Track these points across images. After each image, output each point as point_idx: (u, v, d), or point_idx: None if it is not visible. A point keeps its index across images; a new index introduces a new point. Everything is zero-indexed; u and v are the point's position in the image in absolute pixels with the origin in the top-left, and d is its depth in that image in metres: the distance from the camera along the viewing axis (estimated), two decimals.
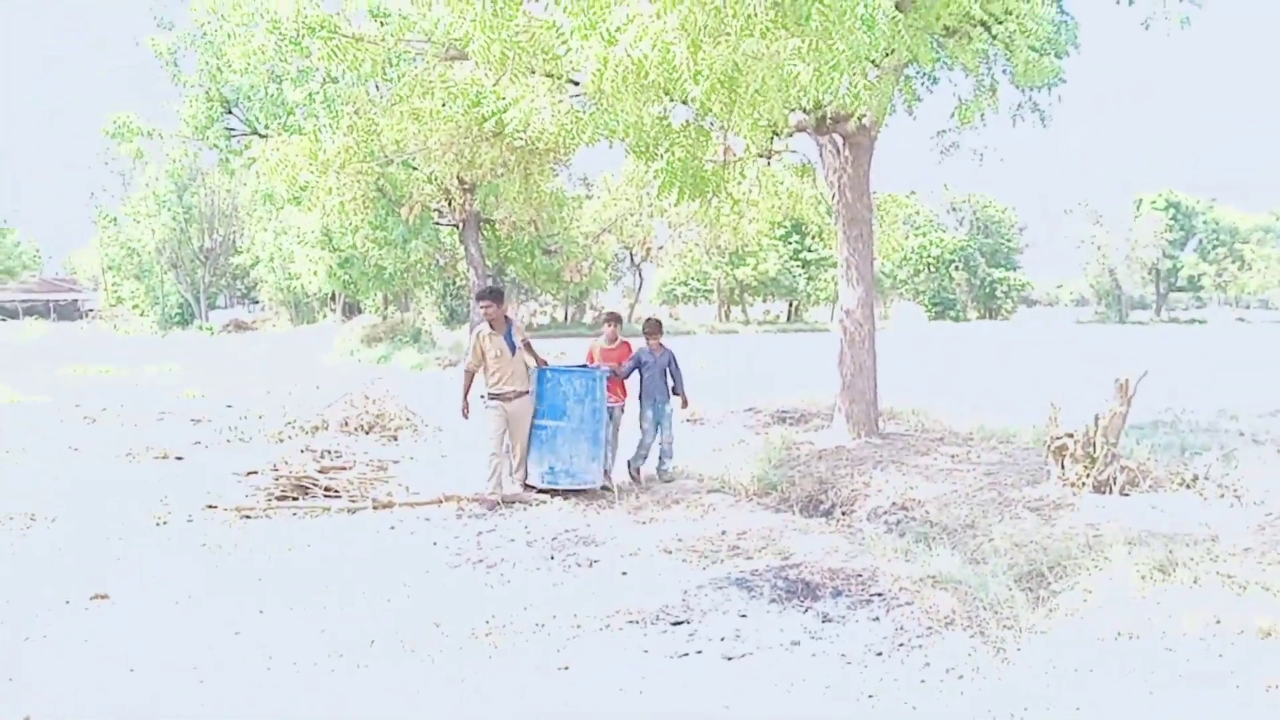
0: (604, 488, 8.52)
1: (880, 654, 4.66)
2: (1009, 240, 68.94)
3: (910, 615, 5.05)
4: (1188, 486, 6.96)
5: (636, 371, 8.99)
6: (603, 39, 5.00)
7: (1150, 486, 6.88)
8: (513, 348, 8.21)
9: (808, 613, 5.25)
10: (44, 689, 4.35)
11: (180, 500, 8.29)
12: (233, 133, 25.27)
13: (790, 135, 10.48)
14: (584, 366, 8.78)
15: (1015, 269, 68.21)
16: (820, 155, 10.27)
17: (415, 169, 15.47)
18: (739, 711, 4.08)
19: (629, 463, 9.12)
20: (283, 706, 4.12)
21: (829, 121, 9.72)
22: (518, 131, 6.36)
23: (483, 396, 8.27)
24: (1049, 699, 3.96)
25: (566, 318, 59.38)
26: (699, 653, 4.74)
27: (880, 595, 5.39)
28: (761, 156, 11.02)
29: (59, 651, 4.81)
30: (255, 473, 9.05)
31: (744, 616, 5.25)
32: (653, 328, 9.13)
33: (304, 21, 6.85)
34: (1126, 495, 6.81)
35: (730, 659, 4.65)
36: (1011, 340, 39.00)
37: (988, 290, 65.78)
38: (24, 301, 67.29)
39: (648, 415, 8.96)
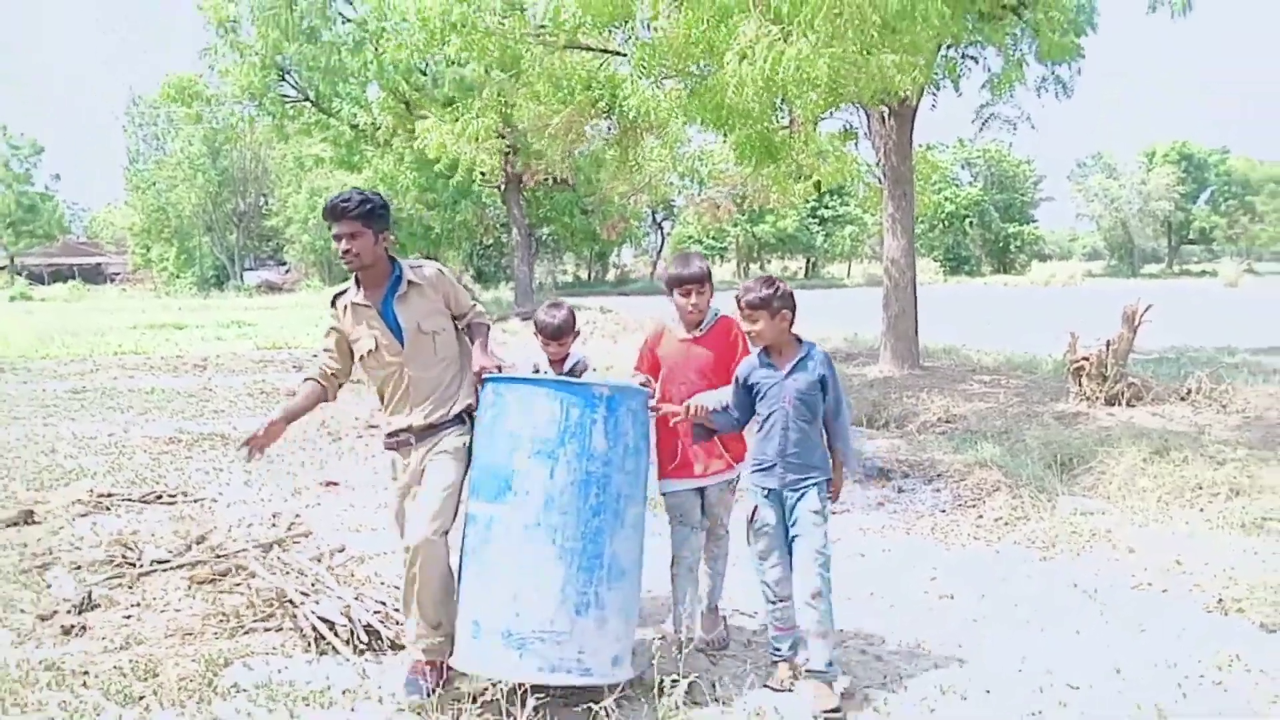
0: (677, 677, 3.41)
1: (944, 511, 6.25)
2: (1024, 194, 69.69)
3: (965, 487, 6.64)
4: (1183, 399, 8.49)
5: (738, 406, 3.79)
6: (737, 56, 6.43)
7: (1153, 399, 8.42)
8: (397, 332, 3.77)
9: (885, 487, 6.84)
10: (327, 537, 5.94)
11: (338, 424, 9.89)
12: (286, 99, 26.71)
13: (838, 107, 11.87)
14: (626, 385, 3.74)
15: (1030, 223, 69.06)
16: (868, 124, 11.70)
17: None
18: (841, 545, 5.64)
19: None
20: None
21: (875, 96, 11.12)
22: (637, 113, 7.81)
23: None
24: (1073, 533, 5.53)
25: (590, 276, 60.84)
26: None
27: (940, 476, 6.96)
28: (810, 124, 12.43)
29: (326, 516, 6.42)
30: None
31: None
32: (756, 295, 3.62)
33: (448, 21, 8.30)
34: (1133, 406, 8.35)
35: (834, 512, 6.22)
36: (1025, 293, 40.31)
37: (1001, 245, 66.76)
38: (49, 266, 66.54)
39: (764, 520, 3.76)
